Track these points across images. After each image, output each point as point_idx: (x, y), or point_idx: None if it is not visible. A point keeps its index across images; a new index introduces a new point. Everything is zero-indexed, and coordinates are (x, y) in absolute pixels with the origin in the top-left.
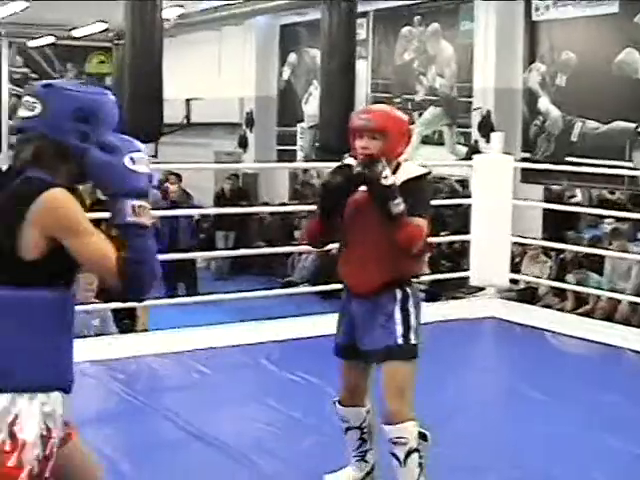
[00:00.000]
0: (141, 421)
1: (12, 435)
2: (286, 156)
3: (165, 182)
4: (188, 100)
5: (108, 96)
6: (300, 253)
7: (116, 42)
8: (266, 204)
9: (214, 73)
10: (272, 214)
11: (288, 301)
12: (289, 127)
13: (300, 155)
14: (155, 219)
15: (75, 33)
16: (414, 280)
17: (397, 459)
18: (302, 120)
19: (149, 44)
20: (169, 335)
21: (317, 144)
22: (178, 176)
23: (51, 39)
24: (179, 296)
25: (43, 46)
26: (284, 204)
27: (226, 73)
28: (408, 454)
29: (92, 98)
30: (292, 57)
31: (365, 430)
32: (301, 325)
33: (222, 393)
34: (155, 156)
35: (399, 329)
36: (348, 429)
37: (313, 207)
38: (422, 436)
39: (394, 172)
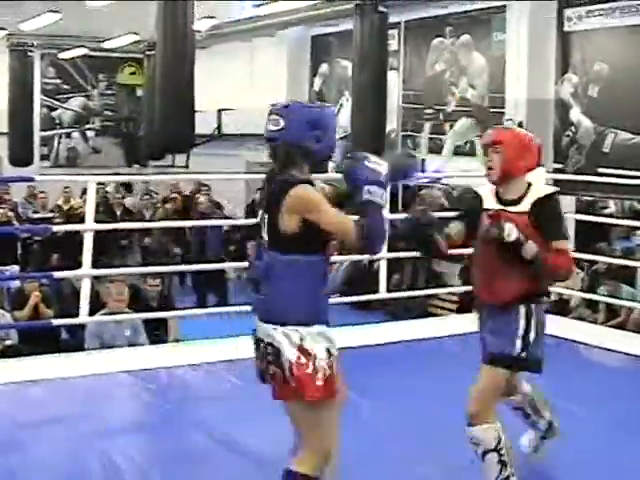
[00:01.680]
0: (172, 432)
1: (303, 351)
2: None
3: (197, 193)
4: (220, 111)
5: (330, 109)
6: (331, 263)
7: (147, 53)
8: None
9: (246, 84)
10: None
11: None
12: None
13: (331, 166)
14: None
15: (107, 44)
16: (542, 299)
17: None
18: None
19: (181, 55)
20: (201, 346)
21: (348, 155)
22: (207, 187)
23: (83, 50)
24: (209, 307)
25: (75, 57)
26: None
27: (258, 84)
28: (484, 454)
29: (319, 111)
30: (323, 68)
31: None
32: (334, 336)
33: (254, 404)
34: (186, 167)
35: (518, 342)
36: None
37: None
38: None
39: (524, 194)
